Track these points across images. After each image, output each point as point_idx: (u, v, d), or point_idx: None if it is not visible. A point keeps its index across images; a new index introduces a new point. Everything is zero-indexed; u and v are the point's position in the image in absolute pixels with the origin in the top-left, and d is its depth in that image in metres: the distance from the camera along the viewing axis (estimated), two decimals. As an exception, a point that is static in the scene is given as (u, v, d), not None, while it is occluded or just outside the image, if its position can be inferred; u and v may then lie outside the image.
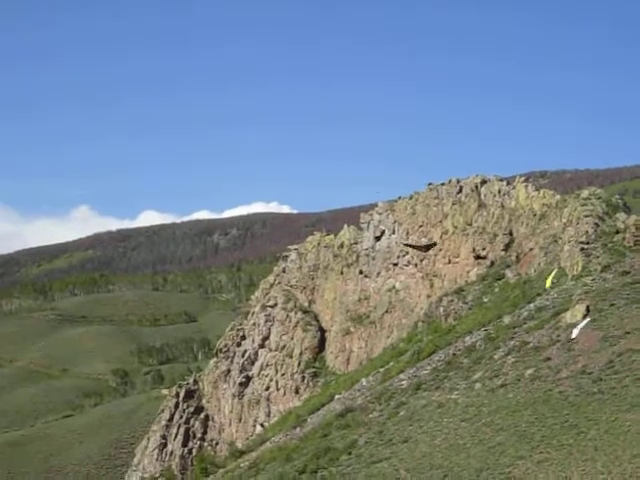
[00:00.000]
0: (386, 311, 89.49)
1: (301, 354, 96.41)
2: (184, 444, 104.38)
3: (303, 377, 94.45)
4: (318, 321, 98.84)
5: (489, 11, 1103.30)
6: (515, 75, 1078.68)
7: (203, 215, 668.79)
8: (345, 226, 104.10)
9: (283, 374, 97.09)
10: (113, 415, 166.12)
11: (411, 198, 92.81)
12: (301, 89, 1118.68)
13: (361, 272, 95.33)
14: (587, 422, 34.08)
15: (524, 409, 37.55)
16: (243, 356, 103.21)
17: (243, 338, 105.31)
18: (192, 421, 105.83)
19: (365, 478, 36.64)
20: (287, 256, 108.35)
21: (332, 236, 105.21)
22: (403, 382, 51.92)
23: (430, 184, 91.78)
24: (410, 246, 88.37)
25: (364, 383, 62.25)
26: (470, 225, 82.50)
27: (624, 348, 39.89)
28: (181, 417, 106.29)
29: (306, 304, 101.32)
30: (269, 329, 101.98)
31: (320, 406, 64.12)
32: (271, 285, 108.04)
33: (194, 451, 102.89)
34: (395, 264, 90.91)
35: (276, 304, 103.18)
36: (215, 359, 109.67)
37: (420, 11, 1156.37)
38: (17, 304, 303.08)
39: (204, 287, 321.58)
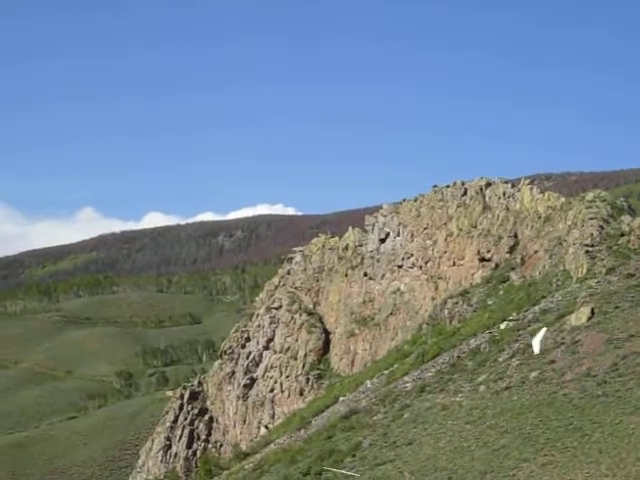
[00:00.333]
0: (391, 313, 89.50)
1: (305, 356, 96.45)
2: (188, 446, 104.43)
3: (307, 379, 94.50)
4: (323, 323, 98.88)
5: (489, 10, 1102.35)
6: (521, 76, 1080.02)
7: (208, 217, 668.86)
8: (350, 228, 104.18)
9: (287, 376, 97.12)
10: (117, 417, 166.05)
11: (416, 200, 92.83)
12: (306, 90, 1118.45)
13: (366, 274, 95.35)
14: (591, 425, 34.07)
15: (528, 412, 37.55)
16: (247, 358, 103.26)
17: (248, 340, 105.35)
18: (196, 423, 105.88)
19: (369, 480, 36.68)
20: (292, 258, 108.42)
21: (337, 238, 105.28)
22: (407, 384, 51.92)
23: (435, 186, 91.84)
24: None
25: (368, 385, 62.25)
26: (475, 227, 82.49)
27: (629, 351, 39.87)
28: (185, 419, 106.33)
29: (311, 306, 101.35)
30: (274, 331, 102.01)
31: (324, 408, 64.13)
32: (276, 287, 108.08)
33: (198, 453, 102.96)
34: (400, 266, 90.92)
35: (281, 306, 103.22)
36: (219, 361, 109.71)
37: (422, 9, 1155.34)
38: (22, 305, 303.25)
39: (208, 289, 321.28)
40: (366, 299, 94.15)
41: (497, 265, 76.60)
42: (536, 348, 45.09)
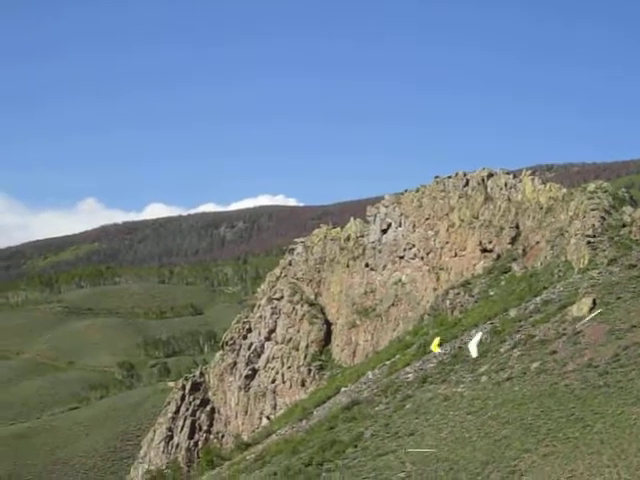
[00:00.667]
0: (392, 304, 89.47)
1: (307, 347, 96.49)
2: (190, 436, 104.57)
3: (309, 370, 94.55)
4: (324, 314, 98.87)
5: (490, 6, 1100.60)
6: (523, 71, 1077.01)
7: (209, 208, 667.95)
8: (351, 219, 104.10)
9: (289, 367, 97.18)
10: (119, 408, 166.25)
11: (417, 191, 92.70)
12: (308, 83, 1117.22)
13: (367, 265, 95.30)
14: (593, 415, 34.09)
15: (530, 402, 37.57)
16: (249, 349, 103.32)
17: (249, 331, 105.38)
18: (198, 414, 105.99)
19: (371, 471, 36.70)
20: (293, 249, 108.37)
21: (338, 229, 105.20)
22: (409, 375, 51.97)
23: (437, 177, 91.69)
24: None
25: (370, 376, 62.30)
26: (477, 218, 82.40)
27: (630, 341, 39.88)
28: (187, 410, 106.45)
29: (312, 297, 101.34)
30: (275, 322, 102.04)
31: (326, 399, 64.23)
32: (277, 278, 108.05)
33: (200, 443, 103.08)
34: (401, 257, 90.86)
35: (282, 297, 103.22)
36: (221, 352, 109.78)
37: (423, 5, 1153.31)
38: (24, 296, 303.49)
39: (210, 280, 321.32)
40: (367, 290, 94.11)
41: (499, 256, 76.56)
42: (473, 352, 45.29)
